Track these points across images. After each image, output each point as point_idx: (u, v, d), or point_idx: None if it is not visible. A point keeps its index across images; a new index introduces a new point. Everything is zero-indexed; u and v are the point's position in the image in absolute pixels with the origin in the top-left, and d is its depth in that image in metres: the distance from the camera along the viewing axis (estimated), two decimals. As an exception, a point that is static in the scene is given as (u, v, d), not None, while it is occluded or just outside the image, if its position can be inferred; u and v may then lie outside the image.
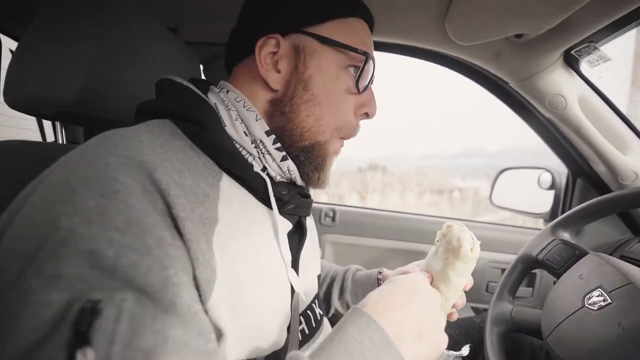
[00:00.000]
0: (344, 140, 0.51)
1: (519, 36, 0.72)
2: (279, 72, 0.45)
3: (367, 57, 0.46)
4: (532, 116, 0.91)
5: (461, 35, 0.71)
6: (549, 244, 0.71)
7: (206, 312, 0.32)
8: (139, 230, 0.28)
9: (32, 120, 0.80)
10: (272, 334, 0.41)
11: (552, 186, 1.12)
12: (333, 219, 1.21)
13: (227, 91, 0.46)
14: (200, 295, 0.32)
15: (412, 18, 0.74)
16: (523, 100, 0.87)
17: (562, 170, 1.09)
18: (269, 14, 0.45)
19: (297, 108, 0.45)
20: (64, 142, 0.59)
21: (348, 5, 0.47)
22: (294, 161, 0.46)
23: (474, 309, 1.07)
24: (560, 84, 0.77)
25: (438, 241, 0.54)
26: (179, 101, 0.41)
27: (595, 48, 0.73)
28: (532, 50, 0.73)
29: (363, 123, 0.53)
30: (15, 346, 0.23)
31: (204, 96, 0.43)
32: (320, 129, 0.46)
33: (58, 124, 0.63)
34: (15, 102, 0.51)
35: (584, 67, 0.80)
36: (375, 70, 0.49)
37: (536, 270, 1.10)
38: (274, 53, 0.45)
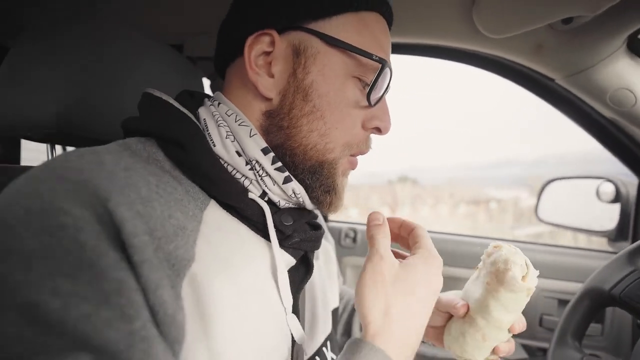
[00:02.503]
0: (356, 158, 0.42)
1: (566, 22, 0.59)
2: (272, 76, 0.37)
3: (384, 64, 0.36)
4: (587, 117, 0.76)
5: (492, 27, 0.60)
6: (627, 275, 0.56)
7: None
8: (93, 275, 0.23)
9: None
10: None
11: (617, 198, 0.94)
12: (354, 239, 1.08)
13: (219, 104, 0.39)
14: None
15: (434, 13, 0.64)
16: (574, 99, 0.73)
17: (627, 179, 0.91)
18: (263, 4, 0.37)
19: (297, 122, 0.37)
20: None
21: None
22: (301, 183, 0.38)
23: (525, 348, 0.89)
24: (626, 76, 0.63)
25: (481, 263, 0.42)
26: (158, 119, 0.35)
27: (669, 30, 0.59)
28: (584, 38, 0.60)
29: (391, 134, 0.43)
30: None
31: (186, 112, 0.36)
32: (327, 146, 0.37)
33: (47, 147, 0.61)
34: (2, 125, 0.48)
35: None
36: (392, 78, 0.39)
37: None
38: (268, 53, 0.37)
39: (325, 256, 0.55)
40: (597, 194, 0.99)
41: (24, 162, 1.00)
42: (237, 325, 0.30)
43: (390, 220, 0.40)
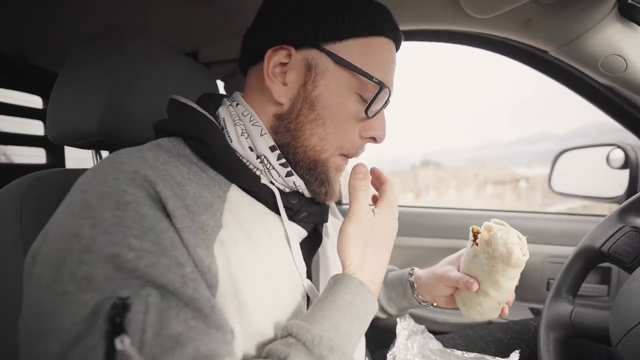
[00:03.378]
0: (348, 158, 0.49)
1: (551, -6, 0.62)
2: (285, 85, 0.43)
3: (382, 86, 0.42)
4: (585, 85, 0.77)
5: (478, 7, 0.64)
6: (616, 232, 0.59)
7: None
8: (154, 235, 0.31)
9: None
10: None
11: (626, 164, 0.94)
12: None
13: (237, 104, 0.46)
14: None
15: (422, 0, 0.68)
16: (570, 69, 0.75)
17: (637, 144, 0.91)
18: (285, 22, 0.43)
19: (301, 127, 0.43)
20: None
21: (371, 24, 0.43)
22: (300, 177, 0.45)
23: (533, 310, 0.93)
24: (615, 42, 0.64)
25: (475, 243, 0.49)
26: (183, 121, 0.43)
27: (659, -9, 0.60)
28: (570, 9, 0.62)
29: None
30: (59, 341, 0.27)
31: (206, 114, 0.44)
32: (323, 148, 0.44)
33: (93, 152, 0.72)
34: (56, 136, 0.58)
35: (647, 16, 0.66)
36: (390, 96, 0.45)
37: (612, 266, 0.92)
38: (284, 64, 0.43)
39: (337, 232, 0.63)
40: (608, 161, 0.99)
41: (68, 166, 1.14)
42: (258, 281, 0.38)
43: (371, 171, 0.48)
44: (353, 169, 0.46)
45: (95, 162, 0.66)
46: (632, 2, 0.61)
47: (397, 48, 0.47)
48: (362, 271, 0.41)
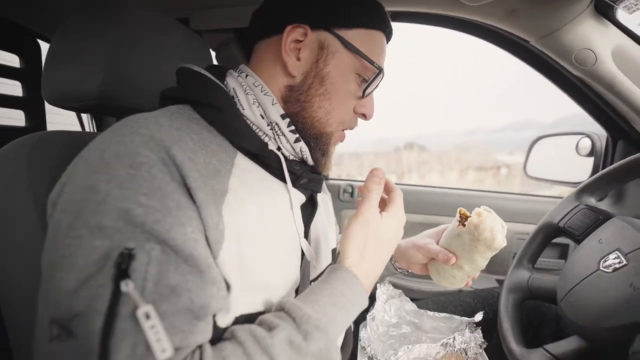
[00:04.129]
0: (344, 133, 0.56)
1: (534, -12, 0.69)
2: (299, 60, 0.49)
3: (380, 71, 0.50)
4: (560, 76, 0.86)
5: (469, -5, 0.70)
6: (572, 210, 0.70)
7: (217, 265, 0.38)
8: (161, 195, 0.35)
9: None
10: (280, 293, 0.47)
11: (592, 152, 1.05)
12: (352, 194, 1.25)
13: (246, 75, 0.50)
14: (211, 253, 0.38)
15: (417, -18, 0.73)
16: (548, 59, 0.83)
17: (603, 133, 1.02)
18: (305, 4, 0.49)
19: (311, 99, 0.49)
20: (95, 131, 0.69)
21: (376, 18, 0.51)
22: (306, 144, 0.51)
23: (498, 281, 1.07)
24: (588, 37, 0.73)
25: (461, 223, 0.57)
26: (196, 88, 0.47)
27: (631, -9, 0.67)
28: (551, 3, 0.70)
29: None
30: (73, 278, 0.32)
31: (219, 83, 0.48)
32: (328, 122, 0.51)
33: (88, 116, 0.73)
34: (52, 98, 0.61)
35: (620, 14, 0.74)
36: (382, 80, 0.53)
37: (570, 242, 1.06)
38: (299, 41, 0.49)
39: (325, 205, 0.69)
40: (577, 148, 1.11)
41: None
42: (260, 239, 0.43)
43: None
44: (370, 172, 0.51)
45: (91, 126, 0.69)
46: (607, 1, 0.69)
47: (387, 42, 0.56)
48: (358, 266, 0.46)
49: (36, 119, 1.07)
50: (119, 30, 0.58)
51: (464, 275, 0.59)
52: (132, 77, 0.59)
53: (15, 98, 1.03)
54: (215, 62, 0.99)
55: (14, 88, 1.04)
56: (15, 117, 1.06)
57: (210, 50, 1.00)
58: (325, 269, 0.61)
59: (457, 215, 0.58)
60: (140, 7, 0.61)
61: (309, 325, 0.38)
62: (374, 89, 0.54)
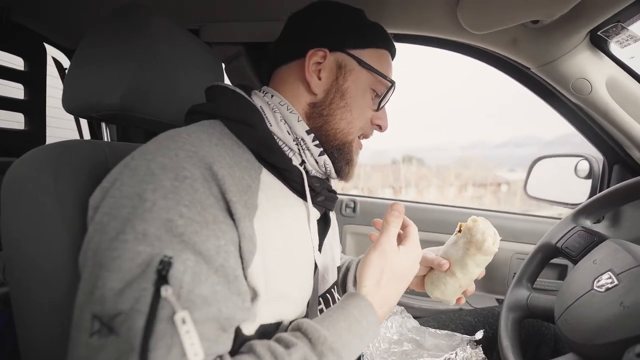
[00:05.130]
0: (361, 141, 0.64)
1: (535, 22, 0.77)
2: (320, 79, 0.57)
3: (392, 84, 0.60)
4: (559, 102, 0.94)
5: (474, 24, 0.77)
6: (569, 231, 0.76)
7: (246, 277, 0.43)
8: (201, 208, 0.39)
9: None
10: (296, 304, 0.52)
11: (590, 174, 1.13)
12: (354, 209, 1.31)
13: (272, 95, 0.58)
14: (242, 263, 0.43)
15: (424, 9, 0.81)
16: (548, 86, 0.91)
17: (600, 157, 1.10)
18: (323, 31, 0.58)
19: (334, 112, 0.57)
20: (108, 140, 0.73)
21: (384, 40, 0.62)
22: (329, 157, 0.58)
23: (498, 300, 1.12)
24: (585, 67, 0.81)
25: (460, 232, 0.64)
26: (230, 105, 0.53)
27: (623, 28, 0.76)
28: (550, 35, 0.78)
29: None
30: (119, 279, 0.35)
31: (250, 99, 0.55)
32: (350, 131, 0.59)
33: (104, 124, 0.77)
34: (71, 106, 0.65)
35: (613, 47, 0.83)
36: (393, 93, 0.62)
37: (568, 263, 1.12)
38: (319, 63, 0.57)
39: (333, 224, 0.75)
40: (575, 170, 1.19)
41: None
42: (281, 251, 0.48)
43: None
44: (391, 206, 0.56)
45: (105, 134, 0.73)
46: (601, 34, 0.77)
47: (392, 59, 0.66)
48: (374, 294, 0.50)
49: (36, 122, 1.11)
50: (141, 40, 0.62)
51: (455, 283, 0.63)
52: (152, 87, 0.63)
53: (16, 101, 1.07)
54: (224, 74, 1.05)
55: (11, 90, 1.08)
56: (9, 119, 1.09)
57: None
58: (332, 286, 0.66)
59: (457, 227, 0.65)
60: (168, 21, 0.66)
61: (324, 347, 0.42)
62: (387, 101, 0.62)
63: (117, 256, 0.36)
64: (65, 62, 1.22)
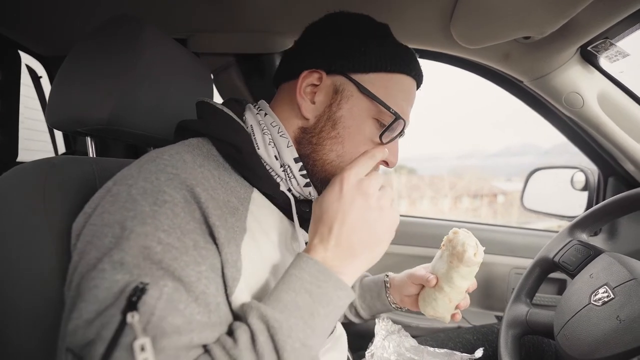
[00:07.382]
0: None
1: (527, 37, 0.83)
2: (313, 103, 0.55)
3: (397, 117, 0.54)
4: (552, 114, 1.01)
5: (467, 39, 0.83)
6: (565, 245, 0.81)
7: (230, 303, 0.44)
8: (181, 233, 0.41)
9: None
10: None
11: (586, 187, 1.20)
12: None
13: (265, 114, 0.57)
14: (226, 289, 0.44)
15: (418, 23, 0.87)
16: (541, 99, 0.98)
17: (596, 169, 1.18)
18: (320, 50, 0.55)
19: (323, 141, 0.55)
20: (94, 155, 0.74)
21: (399, 62, 0.55)
22: (315, 188, 0.57)
23: (498, 317, 1.17)
24: (576, 82, 0.88)
25: (444, 245, 0.67)
26: (218, 125, 0.53)
27: (612, 44, 0.83)
28: (542, 50, 0.84)
29: None
30: (92, 310, 0.37)
31: (239, 121, 0.55)
32: (340, 165, 0.55)
33: (88, 139, 0.78)
34: (57, 123, 0.67)
35: (603, 62, 0.90)
36: (405, 128, 0.58)
37: (566, 277, 1.18)
38: (314, 85, 0.55)
39: None
40: (572, 182, 1.26)
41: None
42: (268, 273, 0.50)
43: None
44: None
45: (90, 149, 0.74)
46: (591, 50, 0.85)
47: (418, 87, 0.61)
48: (325, 251, 0.48)
49: (9, 134, 1.12)
50: (132, 53, 0.64)
51: (445, 299, 0.66)
52: (141, 101, 0.65)
53: None
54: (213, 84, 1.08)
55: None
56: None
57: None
58: None
59: (443, 241, 0.67)
60: (158, 33, 0.67)
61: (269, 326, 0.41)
62: (396, 136, 0.58)
63: (94, 286, 0.38)
64: (40, 70, 1.23)
